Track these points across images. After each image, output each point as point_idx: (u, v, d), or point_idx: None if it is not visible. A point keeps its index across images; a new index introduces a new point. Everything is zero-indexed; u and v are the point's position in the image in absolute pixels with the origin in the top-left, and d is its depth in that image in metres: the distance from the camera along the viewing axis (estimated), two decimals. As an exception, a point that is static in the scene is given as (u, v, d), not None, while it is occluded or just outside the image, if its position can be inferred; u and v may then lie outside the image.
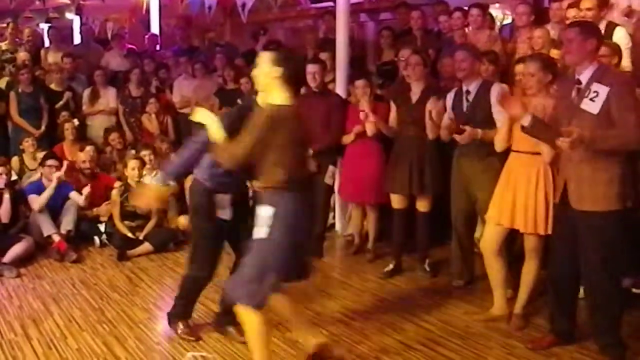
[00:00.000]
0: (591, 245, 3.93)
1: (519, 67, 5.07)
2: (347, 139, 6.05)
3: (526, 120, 3.99)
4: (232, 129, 3.58)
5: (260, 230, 3.53)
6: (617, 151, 3.84)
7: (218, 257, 4.41)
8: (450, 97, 5.21)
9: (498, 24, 7.89)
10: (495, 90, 4.94)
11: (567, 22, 5.68)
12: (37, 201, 6.52)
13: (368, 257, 6.20)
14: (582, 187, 3.91)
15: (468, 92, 5.05)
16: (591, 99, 3.82)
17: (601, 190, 3.86)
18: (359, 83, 5.93)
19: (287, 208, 3.51)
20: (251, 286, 3.49)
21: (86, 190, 6.75)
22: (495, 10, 7.99)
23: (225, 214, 4.31)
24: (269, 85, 3.59)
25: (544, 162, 4.32)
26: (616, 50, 4.90)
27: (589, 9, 5.44)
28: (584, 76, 3.90)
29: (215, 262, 4.40)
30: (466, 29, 6.87)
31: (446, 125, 5.09)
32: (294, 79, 3.60)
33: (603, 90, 3.79)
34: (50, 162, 6.79)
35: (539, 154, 4.32)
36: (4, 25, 9.69)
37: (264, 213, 3.53)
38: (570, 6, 5.87)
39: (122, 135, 8.12)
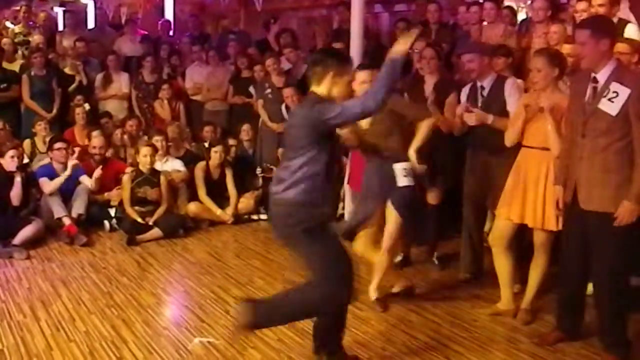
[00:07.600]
0: (601, 244, 3.90)
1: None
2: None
3: None
4: None
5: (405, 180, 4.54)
6: None
7: None
8: (465, 92, 5.19)
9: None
10: (509, 84, 4.94)
11: (576, 15, 5.64)
12: (49, 185, 6.54)
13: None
14: (592, 188, 3.87)
15: (482, 87, 5.05)
16: (610, 100, 3.75)
17: (611, 192, 3.81)
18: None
19: None
20: None
21: (97, 172, 6.74)
22: (509, 2, 7.94)
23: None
24: None
25: (554, 158, 4.30)
26: (636, 47, 4.84)
27: (600, 5, 5.39)
28: (602, 75, 3.82)
29: None
30: (483, 23, 6.85)
31: (459, 115, 5.07)
32: None
33: (623, 92, 3.72)
34: (58, 144, 6.78)
35: (549, 149, 4.30)
36: (18, 8, 9.69)
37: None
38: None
39: (138, 122, 8.14)
